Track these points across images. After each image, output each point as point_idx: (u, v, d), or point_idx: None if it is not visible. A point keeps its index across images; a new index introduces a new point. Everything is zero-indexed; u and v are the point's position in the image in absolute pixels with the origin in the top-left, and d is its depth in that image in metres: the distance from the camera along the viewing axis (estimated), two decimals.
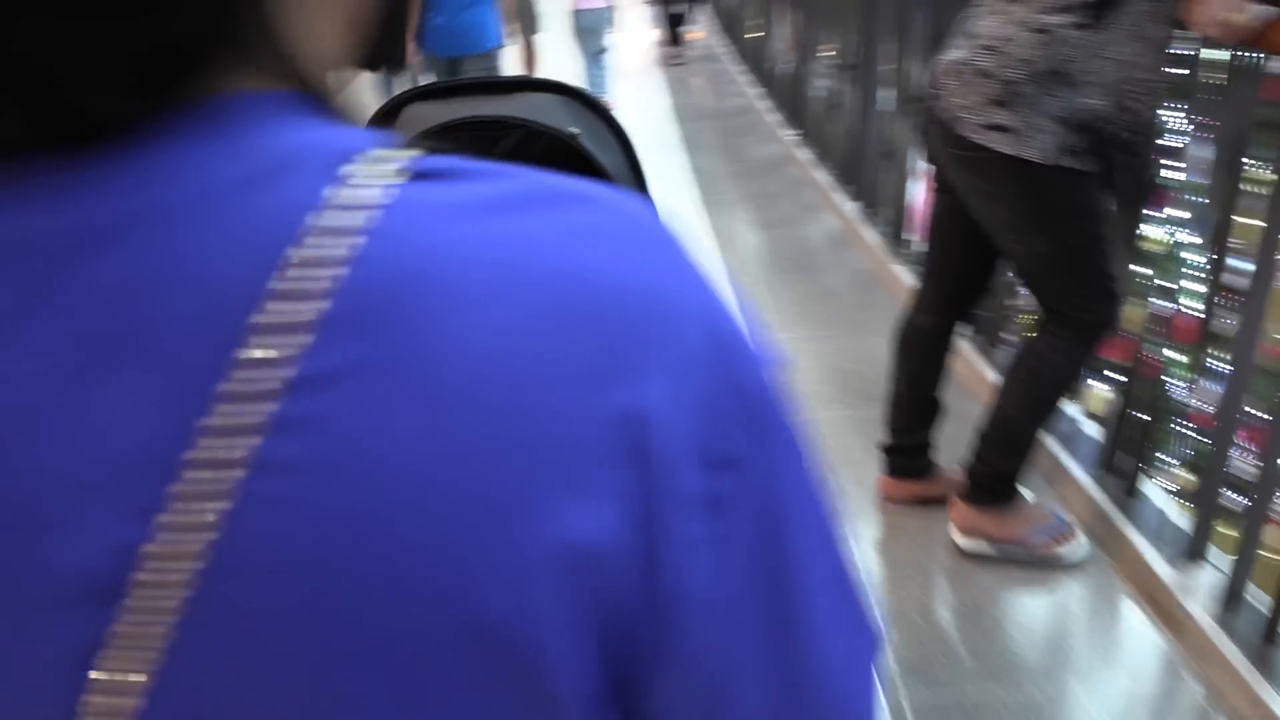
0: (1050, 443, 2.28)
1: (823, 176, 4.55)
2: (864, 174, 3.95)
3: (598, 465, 0.27)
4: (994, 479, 2.01)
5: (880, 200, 3.79)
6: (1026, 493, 2.08)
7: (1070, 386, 1.98)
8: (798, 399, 0.34)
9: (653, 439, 0.27)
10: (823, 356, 3.06)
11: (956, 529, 2.08)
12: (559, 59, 6.30)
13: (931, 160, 2.01)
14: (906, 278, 3.32)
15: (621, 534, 0.27)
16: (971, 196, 1.86)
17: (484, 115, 1.25)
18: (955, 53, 1.79)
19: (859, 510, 2.28)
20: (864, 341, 3.11)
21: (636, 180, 1.37)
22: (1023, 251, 1.85)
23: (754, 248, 4.04)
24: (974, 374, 2.63)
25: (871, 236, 3.74)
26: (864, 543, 2.17)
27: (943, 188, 1.99)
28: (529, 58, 5.92)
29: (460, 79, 1.37)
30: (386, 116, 1.35)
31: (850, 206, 4.07)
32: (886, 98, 3.65)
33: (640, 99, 6.78)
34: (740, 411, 0.30)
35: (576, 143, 1.10)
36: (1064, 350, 1.87)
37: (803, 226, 4.26)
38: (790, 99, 5.48)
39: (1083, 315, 1.83)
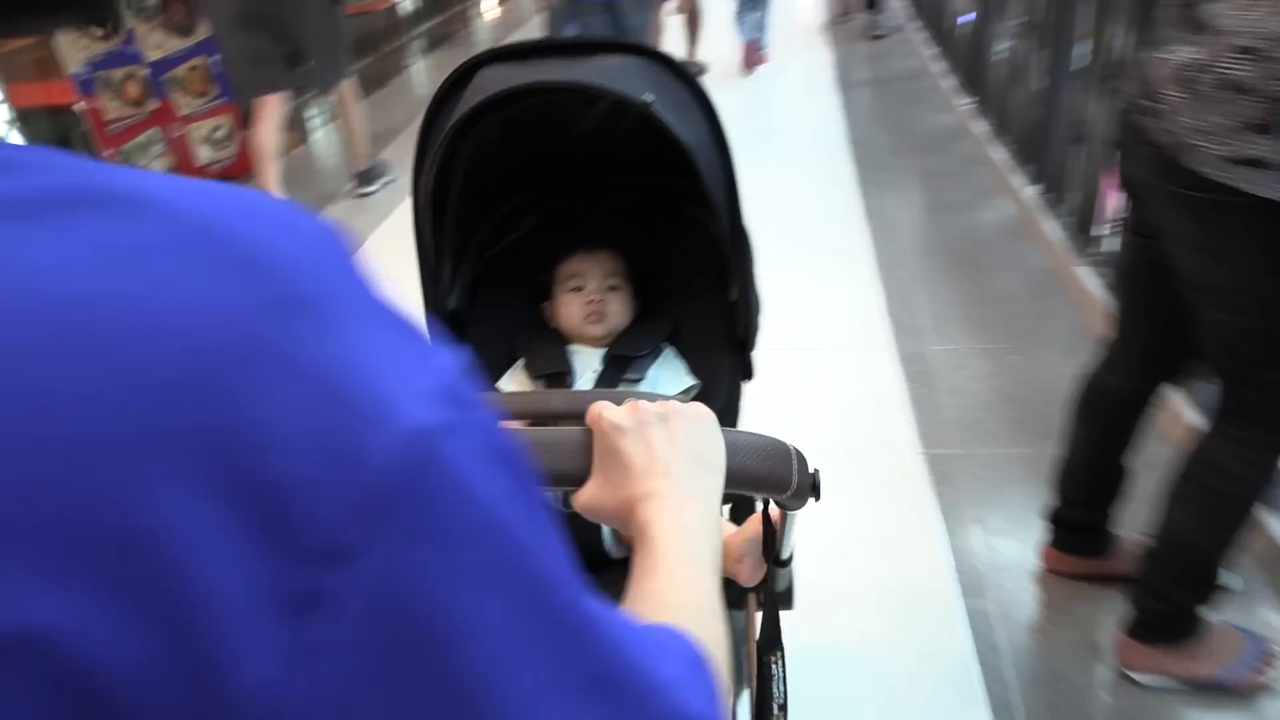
0: (1269, 521, 1.81)
1: (999, 154, 4.02)
2: (1048, 153, 3.42)
3: (83, 549, 0.23)
4: (1173, 617, 1.59)
5: (1066, 185, 3.27)
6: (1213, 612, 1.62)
7: (1265, 500, 1.53)
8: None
9: (180, 530, 0.23)
10: (984, 376, 2.64)
11: (1128, 667, 1.66)
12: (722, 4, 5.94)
13: (1130, 192, 1.54)
14: (1093, 285, 2.82)
15: (118, 630, 0.23)
16: (1184, 249, 1.40)
17: (552, 80, 1.12)
18: (1185, 51, 1.30)
19: (1011, 582, 1.90)
20: (1037, 360, 2.66)
21: (720, 155, 1.16)
22: (1236, 324, 1.38)
23: (913, 235, 3.59)
24: (1167, 413, 2.16)
25: (1052, 229, 3.24)
26: (1014, 627, 1.80)
27: (1141, 231, 1.52)
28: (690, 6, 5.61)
29: (536, 40, 1.19)
30: (460, 79, 1.19)
31: (1029, 191, 3.56)
32: (1081, 63, 3.11)
33: (799, 57, 6.30)
34: (352, 491, 0.25)
35: (650, 110, 1.02)
36: (1255, 460, 1.44)
37: (971, 213, 3.77)
38: (968, 62, 4.91)
39: None
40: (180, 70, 4.59)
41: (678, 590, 0.54)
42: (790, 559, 0.96)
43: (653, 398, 0.70)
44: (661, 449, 0.63)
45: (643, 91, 1.04)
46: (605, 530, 1.18)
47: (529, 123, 1.27)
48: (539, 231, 1.47)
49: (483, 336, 1.43)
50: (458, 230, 1.34)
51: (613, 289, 1.40)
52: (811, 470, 0.74)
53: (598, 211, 1.45)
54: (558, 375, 1.35)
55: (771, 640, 0.90)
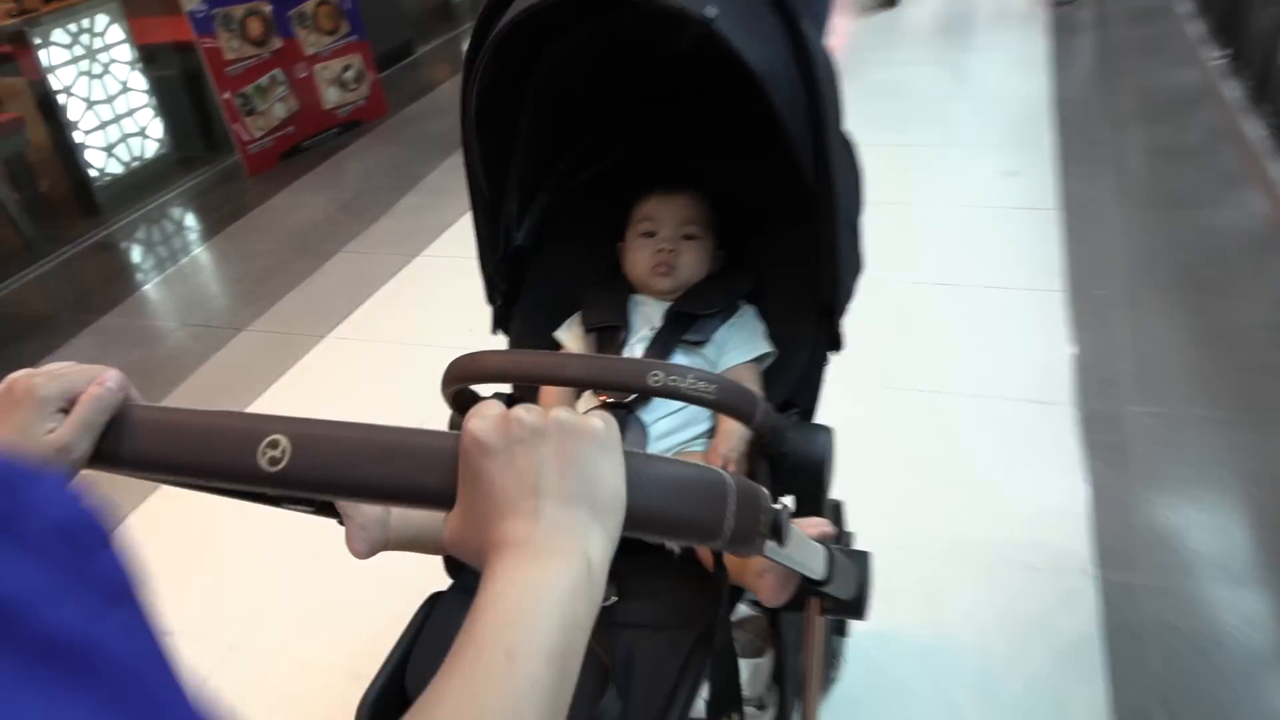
0: None
1: (1255, 130, 3.10)
2: None
3: None
4: None
5: None
6: None
7: None
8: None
9: None
10: (1206, 461, 1.92)
11: None
12: None
13: None
14: None
15: None
16: None
17: None
18: None
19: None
20: None
21: (804, 81, 1.03)
22: None
23: (1122, 237, 2.79)
24: None
25: None
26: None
27: None
28: None
29: None
30: None
31: None
32: None
33: None
34: None
35: (712, 28, 0.93)
36: None
37: (1208, 210, 2.90)
38: (1222, 1, 3.89)
39: None
40: (308, 5, 4.31)
41: (468, 706, 0.43)
42: (829, 579, 0.81)
43: (683, 375, 0.80)
44: (534, 479, 0.50)
45: (704, 5, 0.94)
46: None
47: (616, 43, 1.22)
48: (624, 165, 1.38)
49: (548, 278, 1.36)
50: (532, 159, 1.30)
51: (689, 238, 1.31)
52: (774, 507, 0.57)
53: (692, 147, 1.36)
54: (610, 329, 1.27)
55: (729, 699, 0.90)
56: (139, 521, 2.11)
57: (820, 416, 1.21)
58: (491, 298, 1.33)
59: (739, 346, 1.24)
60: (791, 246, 1.25)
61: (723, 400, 0.84)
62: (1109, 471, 1.91)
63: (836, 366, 1.22)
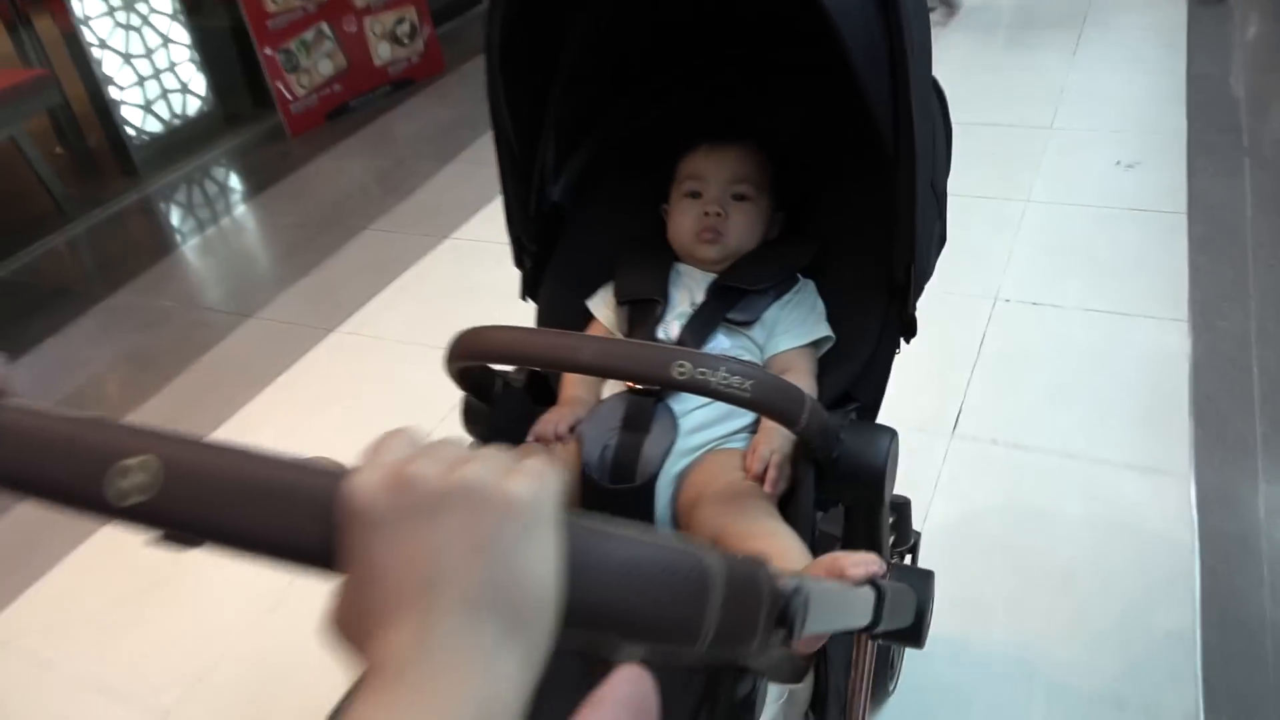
0: None
1: None
2: None
3: None
4: None
5: None
6: None
7: None
8: None
9: None
10: None
11: None
12: None
13: None
14: None
15: None
16: None
17: None
18: None
19: None
20: None
21: (884, 13, 0.89)
22: None
23: (1263, 254, 2.33)
24: None
25: None
26: None
27: None
28: None
29: None
30: None
31: None
32: None
33: None
34: None
35: None
36: None
37: None
38: None
39: None
40: None
41: None
42: (878, 622, 0.68)
43: (714, 367, 0.74)
44: (427, 570, 0.36)
45: None
46: (658, 510, 1.00)
47: None
48: (675, 115, 1.26)
49: (584, 241, 1.25)
50: (573, 107, 1.20)
51: (739, 199, 1.17)
52: (783, 587, 0.46)
53: (753, 95, 1.24)
54: (646, 303, 1.14)
55: None
56: (77, 559, 1.90)
57: (883, 415, 1.07)
58: (519, 260, 1.22)
59: (792, 329, 1.11)
60: (862, 212, 1.11)
61: (761, 400, 0.76)
62: (1218, 564, 1.53)
63: (890, 404, 1.08)
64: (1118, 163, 2.78)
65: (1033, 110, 3.15)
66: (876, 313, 1.08)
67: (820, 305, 1.14)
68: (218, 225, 3.40)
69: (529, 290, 1.24)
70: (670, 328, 1.12)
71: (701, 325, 1.10)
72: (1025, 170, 2.78)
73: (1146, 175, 2.69)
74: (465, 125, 3.65)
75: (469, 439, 0.99)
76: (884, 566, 0.74)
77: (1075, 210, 2.57)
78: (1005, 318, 2.20)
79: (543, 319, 1.22)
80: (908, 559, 1.38)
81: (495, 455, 0.39)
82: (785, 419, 0.80)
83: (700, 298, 1.13)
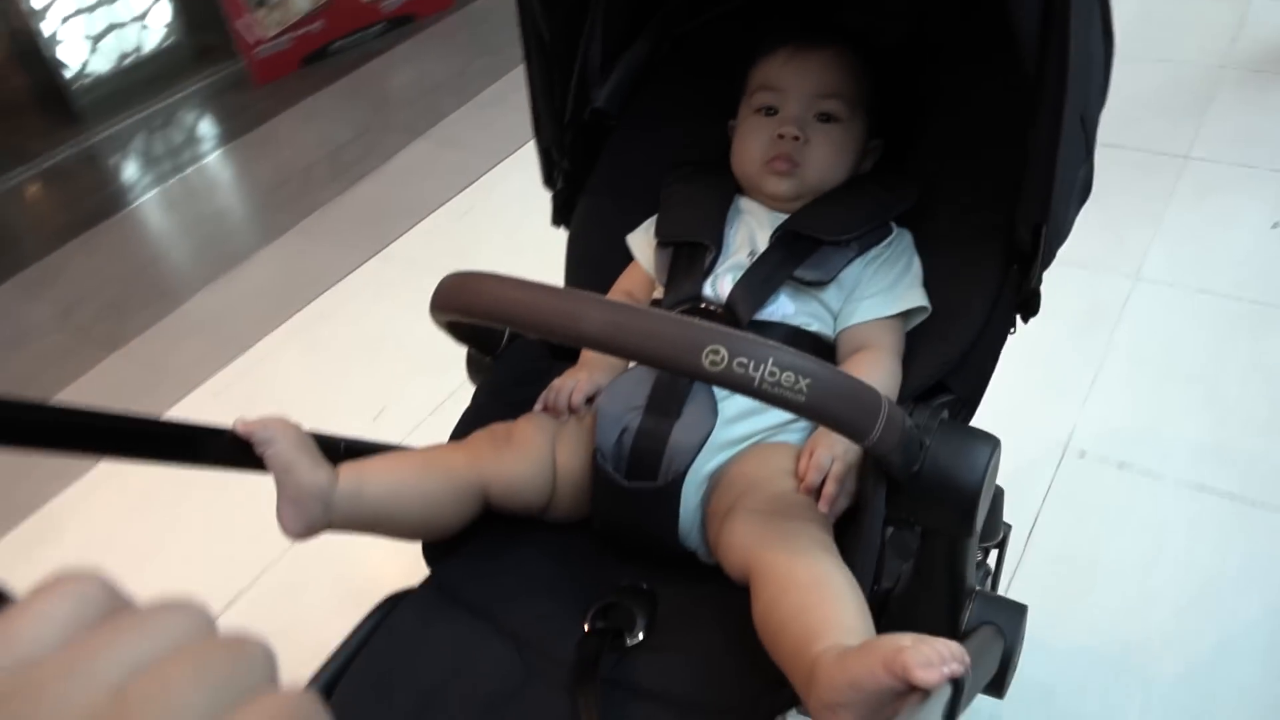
0: None
1: None
2: None
3: None
4: None
5: None
6: None
7: None
8: None
9: None
10: None
11: None
12: None
13: None
14: None
15: None
16: None
17: None
18: None
19: None
20: None
21: None
22: None
23: None
24: None
25: None
26: None
27: None
28: None
29: None
30: None
31: None
32: None
33: None
34: None
35: None
36: None
37: None
38: None
39: None
40: None
41: None
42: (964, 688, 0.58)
43: (759, 356, 0.59)
44: None
45: None
46: (684, 516, 0.85)
47: None
48: (754, 7, 1.08)
49: (632, 158, 1.08)
50: None
51: (827, 120, 0.97)
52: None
53: None
54: (693, 247, 0.95)
55: None
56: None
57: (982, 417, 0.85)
58: (549, 179, 1.07)
59: (878, 295, 0.91)
60: (983, 148, 0.93)
61: (821, 408, 0.60)
62: None
63: (988, 405, 0.88)
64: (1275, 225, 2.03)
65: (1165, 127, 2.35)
66: (989, 281, 0.88)
67: (917, 266, 0.95)
68: (137, 203, 2.86)
69: (560, 216, 1.09)
70: (720, 283, 0.93)
71: (761, 283, 0.91)
72: (1136, 231, 2.01)
73: None
74: (465, 77, 3.09)
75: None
76: (966, 662, 0.55)
77: (1192, 298, 1.84)
78: (1146, 299, 1.80)
79: (572, 253, 1.08)
80: (993, 557, 1.18)
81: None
82: (852, 432, 0.63)
83: (763, 245, 0.94)
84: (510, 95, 2.33)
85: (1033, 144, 0.77)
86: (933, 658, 0.55)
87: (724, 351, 0.58)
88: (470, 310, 0.70)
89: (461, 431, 0.92)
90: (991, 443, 0.72)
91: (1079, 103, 0.75)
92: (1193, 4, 2.80)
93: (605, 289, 1.04)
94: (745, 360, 0.58)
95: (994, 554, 1.19)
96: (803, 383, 0.58)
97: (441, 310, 0.74)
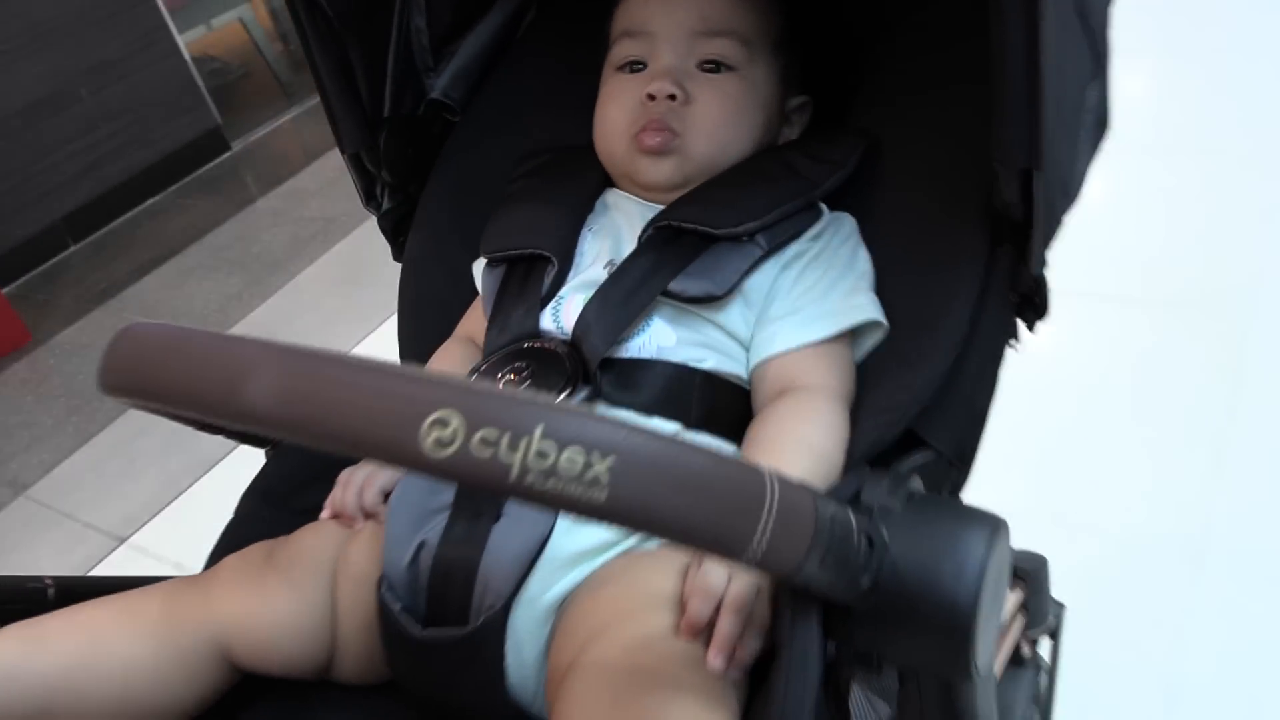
0: None
1: None
2: None
3: None
4: None
5: None
6: None
7: None
8: None
9: None
10: None
11: None
12: None
13: None
14: None
15: None
16: None
17: None
18: None
19: None
20: None
21: None
22: None
23: None
24: None
25: None
26: None
27: None
28: None
29: None
30: None
31: None
32: None
33: None
34: None
35: None
36: None
37: None
38: None
39: None
40: None
41: None
42: None
43: (542, 424, 0.30)
44: None
45: None
46: (514, 674, 0.56)
47: None
48: None
49: (478, 160, 0.83)
50: None
51: (715, 68, 0.71)
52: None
53: None
54: (530, 261, 0.70)
55: None
56: None
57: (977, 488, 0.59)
58: (370, 194, 0.81)
59: (803, 309, 0.64)
60: (954, 82, 0.65)
61: (640, 508, 0.32)
62: None
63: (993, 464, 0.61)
64: None
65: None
66: (972, 272, 0.59)
67: (864, 261, 0.67)
68: None
69: (395, 239, 0.84)
70: (566, 308, 0.67)
71: (620, 304, 0.63)
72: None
73: None
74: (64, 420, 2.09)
75: None
76: None
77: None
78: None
79: (405, 295, 0.82)
80: (1045, 645, 0.88)
81: None
82: (711, 543, 0.34)
83: (624, 248, 0.68)
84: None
85: (1001, 39, 0.48)
86: None
87: (456, 422, 0.32)
88: (127, 389, 0.41)
89: (214, 559, 0.67)
90: (989, 527, 0.44)
91: None
92: None
93: (447, 335, 0.79)
94: (494, 434, 0.31)
95: (1046, 640, 0.89)
96: (599, 466, 0.31)
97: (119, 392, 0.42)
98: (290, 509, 0.70)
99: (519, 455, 0.31)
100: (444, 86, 0.82)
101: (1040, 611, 0.83)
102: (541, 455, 0.31)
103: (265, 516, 0.71)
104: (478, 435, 0.31)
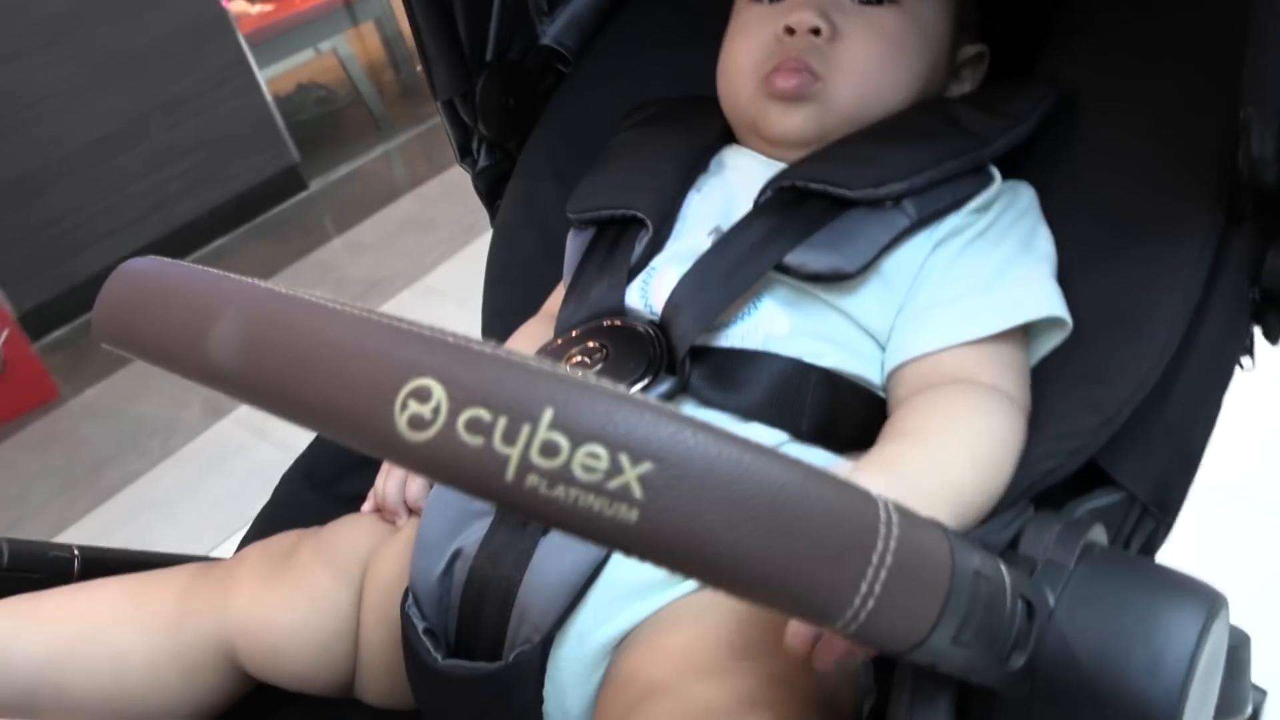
0: None
1: None
2: None
3: None
4: None
5: None
6: None
7: None
8: None
9: None
10: None
11: None
12: None
13: None
14: None
15: None
16: None
17: None
18: None
19: None
20: None
21: None
22: None
23: None
24: None
25: None
26: None
27: None
28: None
29: None
30: None
31: None
32: None
33: None
34: None
35: None
36: None
37: None
38: None
39: None
40: None
41: None
42: None
43: (552, 409, 0.23)
44: None
45: None
46: (551, 716, 0.49)
47: None
48: None
49: (586, 115, 0.75)
50: None
51: (866, 2, 0.59)
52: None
53: None
54: (622, 224, 0.61)
55: None
56: None
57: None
58: (465, 151, 0.76)
59: (963, 296, 0.53)
60: (1166, 21, 0.55)
61: (681, 536, 0.21)
62: None
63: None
64: None
65: None
66: (1191, 261, 0.48)
67: (1044, 243, 0.56)
68: None
69: (491, 192, 0.79)
70: (658, 282, 0.58)
71: (721, 277, 0.54)
72: None
73: None
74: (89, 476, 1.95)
75: None
76: None
77: None
78: None
79: (493, 263, 0.77)
80: None
81: None
82: (788, 601, 0.24)
83: (740, 210, 0.59)
84: None
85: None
86: None
87: (438, 395, 0.24)
88: (107, 332, 0.36)
89: (245, 544, 0.64)
90: (1204, 604, 0.35)
91: None
92: None
93: (536, 312, 0.74)
94: (486, 416, 0.23)
95: None
96: (630, 472, 0.23)
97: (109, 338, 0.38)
98: (335, 495, 0.66)
99: (518, 447, 0.23)
100: (557, 33, 0.77)
101: (1235, 700, 0.73)
102: (550, 450, 0.23)
103: (307, 502, 0.66)
104: (464, 415, 0.23)
